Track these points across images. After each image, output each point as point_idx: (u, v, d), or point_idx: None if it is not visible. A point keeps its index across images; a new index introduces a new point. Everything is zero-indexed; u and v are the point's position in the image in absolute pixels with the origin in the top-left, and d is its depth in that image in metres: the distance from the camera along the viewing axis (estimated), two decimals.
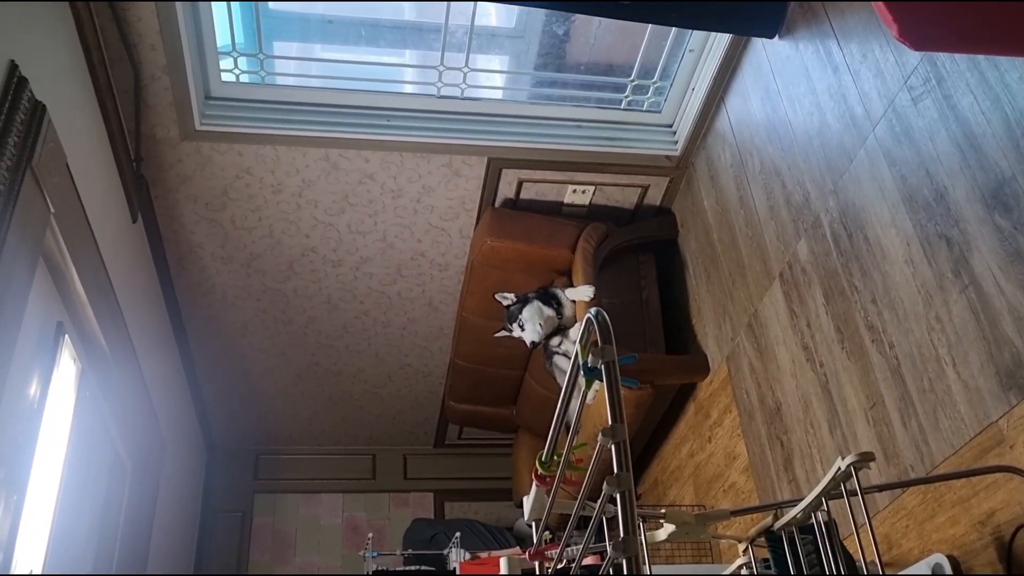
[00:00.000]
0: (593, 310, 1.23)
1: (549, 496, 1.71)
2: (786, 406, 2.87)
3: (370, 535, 3.72)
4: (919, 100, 2.18)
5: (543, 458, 1.64)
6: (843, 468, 1.69)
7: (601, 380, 1.19)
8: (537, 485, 1.72)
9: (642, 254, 3.82)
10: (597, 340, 1.22)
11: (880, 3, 1.60)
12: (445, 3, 3.12)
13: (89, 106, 2.74)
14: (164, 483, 3.84)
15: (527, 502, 1.81)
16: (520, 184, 3.60)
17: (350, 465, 5.42)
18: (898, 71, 2.26)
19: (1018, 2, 1.61)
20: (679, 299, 3.75)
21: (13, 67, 2.12)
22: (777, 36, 2.88)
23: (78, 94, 2.65)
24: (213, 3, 3.00)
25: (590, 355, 1.23)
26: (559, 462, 1.59)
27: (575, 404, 1.55)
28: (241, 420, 5.00)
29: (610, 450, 1.16)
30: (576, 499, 1.56)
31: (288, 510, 5.19)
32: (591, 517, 1.48)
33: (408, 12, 3.38)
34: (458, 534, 3.80)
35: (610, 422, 1.13)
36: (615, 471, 1.11)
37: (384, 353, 4.57)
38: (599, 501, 1.33)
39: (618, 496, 1.06)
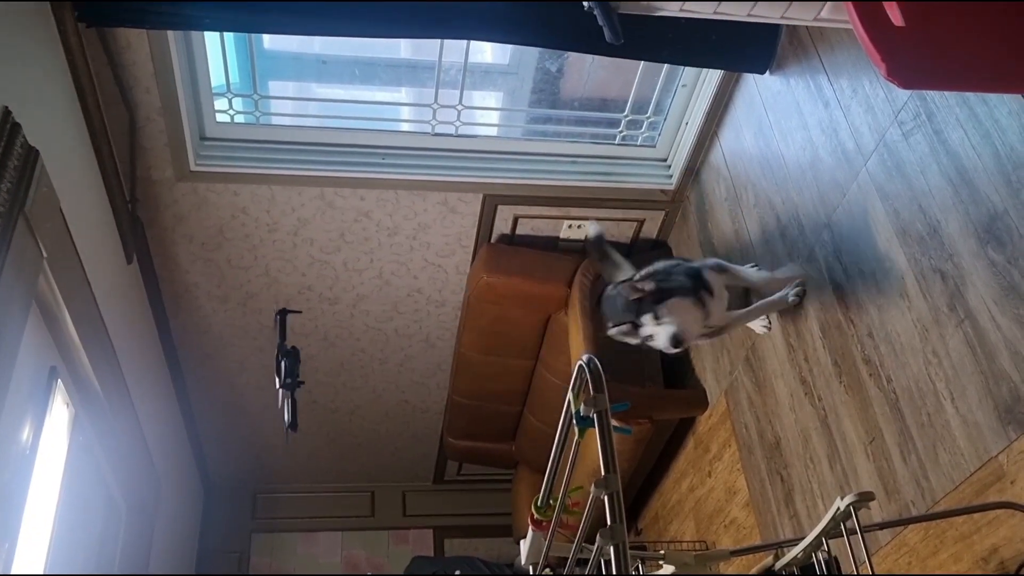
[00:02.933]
0: (585, 357, 1.22)
1: (546, 540, 1.69)
2: (785, 440, 2.85)
3: (369, 574, 3.69)
4: (910, 135, 2.19)
5: (539, 502, 1.62)
6: (842, 508, 1.68)
7: (594, 427, 1.18)
8: (533, 529, 1.70)
9: None
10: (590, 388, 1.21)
11: (868, 43, 1.61)
12: (439, 41, 3.14)
13: (84, 149, 2.75)
14: (160, 525, 3.80)
15: (524, 546, 1.78)
16: (516, 220, 3.61)
17: (349, 502, 5.38)
18: (888, 106, 2.27)
19: (1003, 42, 1.62)
20: None
21: (6, 113, 2.12)
22: (768, 72, 2.89)
23: (72, 138, 2.66)
24: (207, 45, 3.02)
25: (582, 404, 1.22)
26: (555, 506, 1.57)
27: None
28: (238, 459, 4.96)
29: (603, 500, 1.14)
30: (573, 542, 1.55)
31: (286, 549, 5.14)
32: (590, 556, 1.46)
33: (403, 50, 3.40)
34: (458, 572, 3.76)
35: (602, 472, 1.12)
36: (608, 523, 1.09)
37: (382, 390, 4.55)
38: (594, 549, 1.31)
39: (611, 549, 1.04)
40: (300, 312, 3.90)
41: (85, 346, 2.71)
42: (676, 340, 2.42)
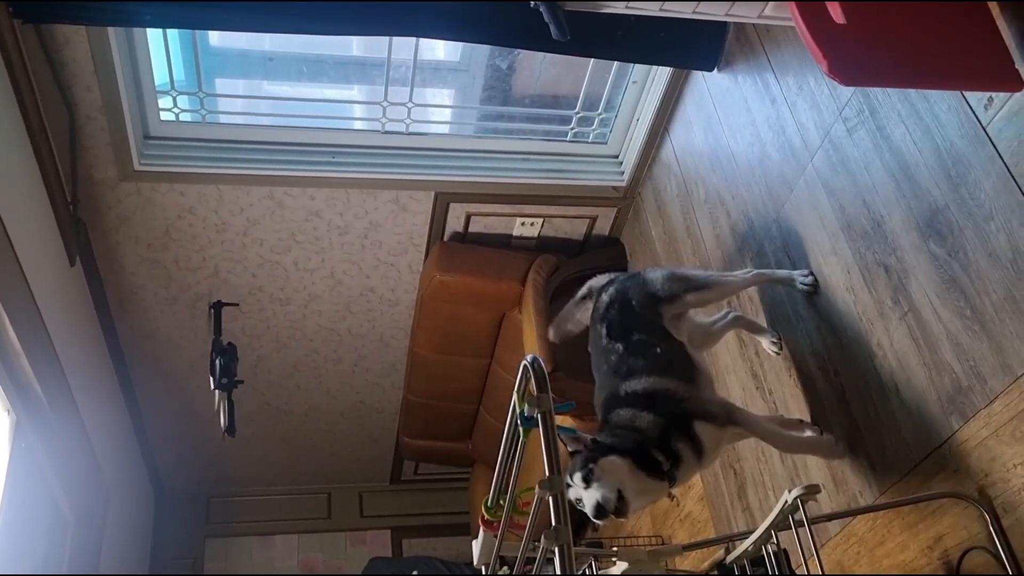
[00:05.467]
0: (528, 357, 1.22)
1: (497, 540, 1.68)
2: None
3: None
4: (854, 131, 2.22)
5: (488, 503, 1.61)
6: (790, 501, 1.69)
7: (538, 427, 1.18)
8: (484, 530, 1.69)
9: None
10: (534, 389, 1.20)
11: (810, 40, 1.63)
12: (388, 38, 3.11)
13: (22, 149, 2.67)
14: (109, 533, 3.72)
15: (476, 546, 1.77)
16: (468, 218, 3.59)
17: (305, 505, 5.32)
18: (833, 103, 2.30)
19: (942, 39, 1.64)
20: None
21: None
22: (716, 69, 2.92)
23: (10, 138, 2.58)
24: (150, 42, 2.96)
25: (526, 405, 1.21)
26: (504, 506, 1.56)
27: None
28: (190, 463, 4.88)
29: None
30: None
31: (241, 554, 5.07)
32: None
33: (353, 47, 3.36)
34: (415, 573, 3.74)
35: (547, 473, 1.11)
36: (553, 524, 1.09)
37: (336, 391, 4.50)
38: (540, 551, 1.30)
39: (556, 551, 1.03)
40: (237, 305, 3.71)
41: (26, 350, 2.64)
42: (599, 510, 1.77)
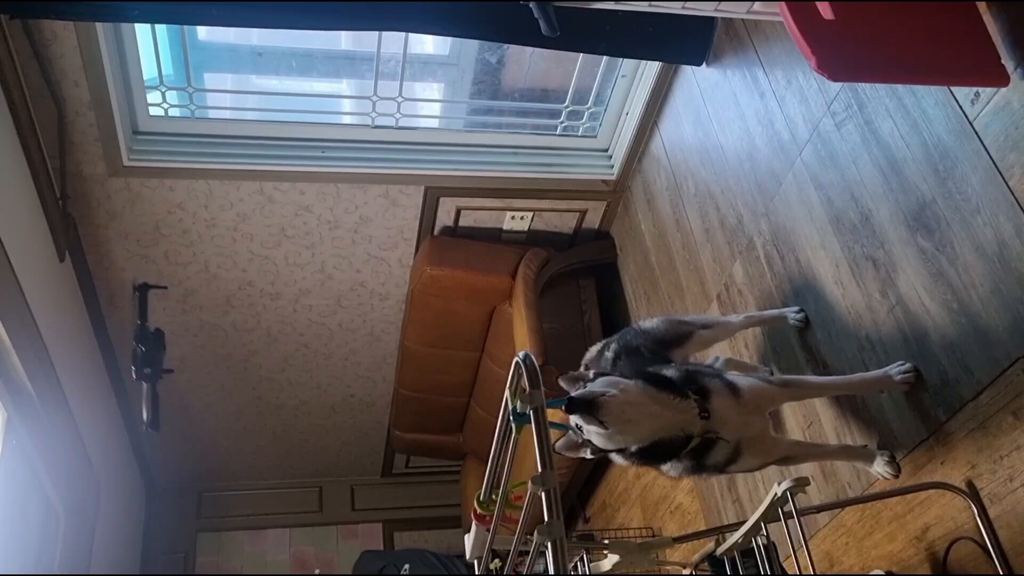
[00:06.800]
0: (521, 354, 1.22)
1: (489, 534, 1.69)
2: None
3: (316, 571, 3.65)
4: (842, 125, 2.23)
5: (481, 497, 1.62)
6: (779, 494, 1.71)
7: (531, 423, 1.19)
8: (476, 524, 1.71)
9: (582, 278, 3.83)
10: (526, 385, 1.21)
11: (799, 36, 1.64)
12: (377, 33, 3.11)
13: (10, 145, 2.66)
14: (101, 528, 3.72)
15: (468, 540, 1.79)
16: (459, 212, 3.60)
17: (296, 498, 5.33)
18: (821, 97, 2.31)
19: (929, 35, 1.66)
20: (620, 322, 3.77)
21: None
22: (705, 63, 2.92)
23: None
24: (138, 36, 2.94)
25: (519, 401, 1.22)
26: (497, 500, 1.57)
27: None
28: (182, 458, 4.88)
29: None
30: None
31: (233, 548, 5.08)
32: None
33: (342, 42, 3.36)
34: (407, 566, 3.75)
35: (539, 469, 1.12)
36: (546, 519, 1.10)
37: (327, 384, 4.51)
38: (533, 546, 1.32)
39: (549, 546, 1.04)
40: (165, 288, 3.38)
41: (16, 346, 2.64)
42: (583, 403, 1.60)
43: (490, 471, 1.53)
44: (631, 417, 1.64)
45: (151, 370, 2.92)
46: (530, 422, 1.21)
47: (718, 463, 1.81)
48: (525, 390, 1.22)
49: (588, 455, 1.69)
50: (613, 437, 1.63)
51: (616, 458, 1.75)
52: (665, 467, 1.80)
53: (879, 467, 2.04)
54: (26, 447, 2.98)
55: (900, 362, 2.00)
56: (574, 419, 1.61)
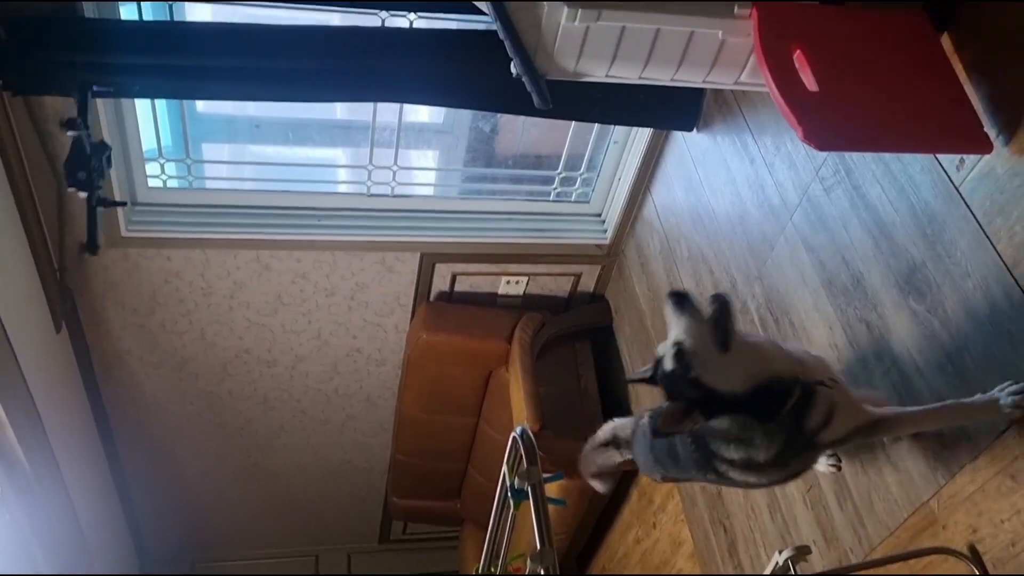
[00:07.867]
0: (518, 430, 1.22)
1: None
2: (726, 491, 2.88)
3: None
4: (831, 190, 2.27)
5: (480, 570, 1.61)
6: (780, 563, 1.69)
7: (528, 500, 1.18)
8: None
9: (578, 341, 3.84)
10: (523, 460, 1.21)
11: (784, 107, 1.68)
12: (373, 103, 3.16)
13: (9, 218, 2.68)
14: None
15: None
16: (454, 277, 3.62)
17: (292, 568, 5.26)
18: (809, 163, 2.35)
19: (913, 104, 1.70)
20: (616, 385, 3.76)
21: None
22: (696, 129, 2.98)
23: None
24: (138, 109, 2.99)
25: (516, 477, 1.22)
26: (496, 573, 1.55)
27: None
28: (175, 529, 4.81)
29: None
30: None
31: None
32: None
33: (338, 111, 3.42)
34: None
35: (538, 547, 1.12)
36: None
37: (323, 451, 4.47)
38: None
39: None
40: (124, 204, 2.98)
41: (11, 419, 2.63)
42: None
43: (488, 544, 1.52)
44: (758, 342, 1.50)
45: (86, 175, 2.47)
46: (528, 498, 1.21)
47: (815, 427, 1.62)
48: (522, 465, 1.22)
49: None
50: (726, 366, 1.45)
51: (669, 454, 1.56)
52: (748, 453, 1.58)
53: (1006, 402, 1.66)
54: (19, 522, 2.94)
55: (1010, 382, 1.67)
56: (679, 334, 1.38)
